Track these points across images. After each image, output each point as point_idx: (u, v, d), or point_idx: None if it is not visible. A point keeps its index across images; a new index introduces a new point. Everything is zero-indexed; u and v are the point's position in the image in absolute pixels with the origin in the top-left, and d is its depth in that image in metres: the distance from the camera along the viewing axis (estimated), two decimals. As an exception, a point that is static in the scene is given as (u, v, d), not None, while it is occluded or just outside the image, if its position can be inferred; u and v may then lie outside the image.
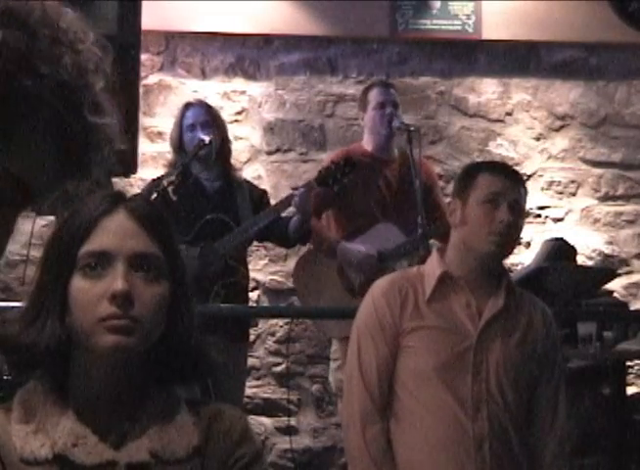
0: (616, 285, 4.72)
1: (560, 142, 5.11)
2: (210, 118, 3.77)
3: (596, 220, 5.07)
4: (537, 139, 5.10)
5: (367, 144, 4.07)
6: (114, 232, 1.19)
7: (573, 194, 5.09)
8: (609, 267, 4.80)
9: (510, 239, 2.27)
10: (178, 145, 3.78)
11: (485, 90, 5.09)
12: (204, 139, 3.65)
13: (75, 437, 1.16)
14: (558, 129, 5.12)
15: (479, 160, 5.02)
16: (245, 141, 4.91)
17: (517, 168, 5.03)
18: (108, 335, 1.15)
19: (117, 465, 1.15)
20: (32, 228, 3.20)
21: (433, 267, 2.33)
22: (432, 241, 3.75)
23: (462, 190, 2.35)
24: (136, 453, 1.16)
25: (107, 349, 1.15)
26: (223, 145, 3.77)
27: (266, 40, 4.96)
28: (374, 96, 4.03)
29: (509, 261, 4.94)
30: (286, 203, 3.65)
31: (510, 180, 2.30)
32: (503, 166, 2.47)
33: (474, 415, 2.20)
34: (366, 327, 2.32)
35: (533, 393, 2.29)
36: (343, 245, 3.86)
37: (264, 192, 3.99)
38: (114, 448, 1.16)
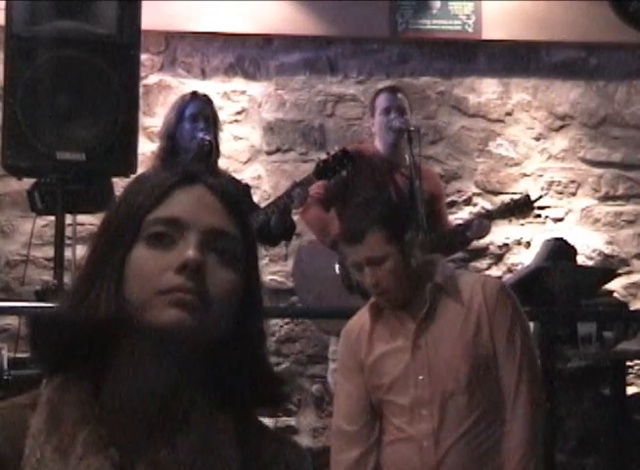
0: (616, 285, 4.72)
1: (560, 142, 5.11)
2: (212, 115, 3.72)
3: (596, 220, 5.07)
4: (537, 139, 5.10)
5: (378, 147, 4.08)
6: (190, 202, 1.00)
7: (573, 194, 5.09)
8: (609, 267, 4.80)
9: (387, 288, 2.30)
10: (173, 134, 3.63)
11: (485, 90, 5.09)
12: (205, 139, 3.61)
13: None
14: (558, 129, 5.12)
15: (478, 160, 5.03)
16: (245, 141, 4.91)
17: (517, 168, 5.07)
18: (169, 309, 0.92)
19: None
20: (32, 228, 3.21)
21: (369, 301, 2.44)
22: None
23: None
24: None
25: (166, 325, 0.92)
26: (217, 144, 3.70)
27: (266, 40, 4.96)
28: (380, 102, 4.03)
29: (509, 262, 4.94)
30: (284, 199, 3.60)
31: (352, 246, 2.31)
32: (349, 237, 2.36)
33: (418, 420, 2.28)
34: (337, 372, 2.51)
35: (497, 376, 2.30)
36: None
37: (247, 187, 3.94)
38: None
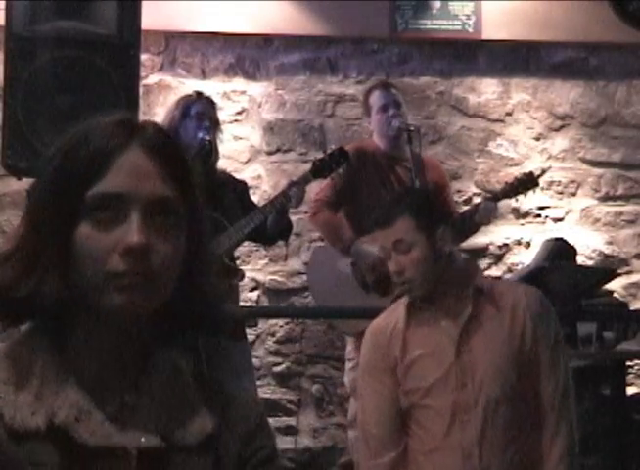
0: (616, 285, 4.71)
1: (560, 142, 5.11)
2: (214, 117, 3.73)
3: (596, 220, 5.07)
4: (537, 139, 5.10)
5: (378, 143, 4.08)
6: (129, 172, 1.00)
7: (573, 194, 5.09)
8: (609, 267, 4.80)
9: (410, 278, 2.25)
10: (176, 130, 3.59)
11: (485, 90, 5.09)
12: (206, 138, 3.61)
13: (79, 410, 0.98)
14: (558, 129, 5.12)
15: (478, 160, 5.03)
16: (245, 141, 4.91)
17: (517, 168, 5.07)
18: (118, 294, 0.97)
19: (126, 450, 0.98)
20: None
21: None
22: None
23: None
24: (146, 436, 1.00)
25: (117, 310, 0.98)
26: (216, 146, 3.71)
27: (266, 40, 4.96)
28: (375, 99, 4.04)
29: (509, 262, 4.94)
30: (281, 198, 3.59)
31: (381, 230, 2.30)
32: (380, 220, 2.34)
33: (462, 424, 2.20)
34: (363, 372, 2.37)
35: (539, 385, 2.24)
36: (358, 245, 3.84)
37: (245, 184, 3.93)
38: (120, 429, 0.99)
